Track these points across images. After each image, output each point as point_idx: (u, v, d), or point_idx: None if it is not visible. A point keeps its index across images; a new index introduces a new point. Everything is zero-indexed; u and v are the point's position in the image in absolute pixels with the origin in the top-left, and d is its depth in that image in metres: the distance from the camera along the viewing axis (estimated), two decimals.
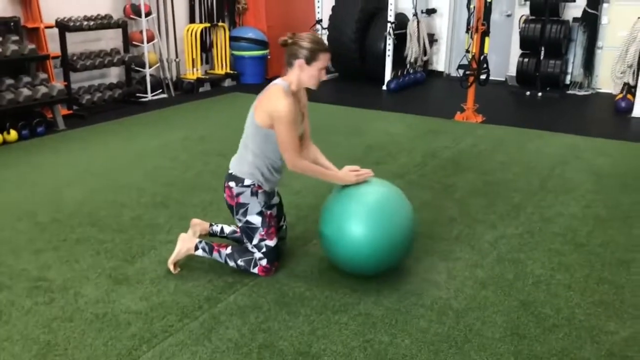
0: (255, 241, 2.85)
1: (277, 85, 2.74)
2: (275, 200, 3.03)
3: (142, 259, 3.08)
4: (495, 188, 4.15)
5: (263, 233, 2.83)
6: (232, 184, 2.83)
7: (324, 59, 2.72)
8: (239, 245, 2.98)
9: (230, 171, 2.86)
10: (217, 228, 3.16)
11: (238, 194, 2.82)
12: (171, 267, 2.92)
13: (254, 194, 2.81)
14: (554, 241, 3.32)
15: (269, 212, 2.86)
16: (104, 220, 3.57)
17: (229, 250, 2.90)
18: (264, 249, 2.85)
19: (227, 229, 3.16)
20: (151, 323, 2.50)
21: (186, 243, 2.94)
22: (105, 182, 4.22)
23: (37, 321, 2.51)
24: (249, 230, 2.84)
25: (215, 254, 2.91)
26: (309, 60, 2.69)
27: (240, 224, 2.87)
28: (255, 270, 2.87)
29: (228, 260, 2.89)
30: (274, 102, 2.67)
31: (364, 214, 2.69)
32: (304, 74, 2.73)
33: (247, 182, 2.80)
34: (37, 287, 2.78)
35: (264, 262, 2.86)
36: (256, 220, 2.82)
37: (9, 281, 2.84)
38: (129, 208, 3.76)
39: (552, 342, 2.39)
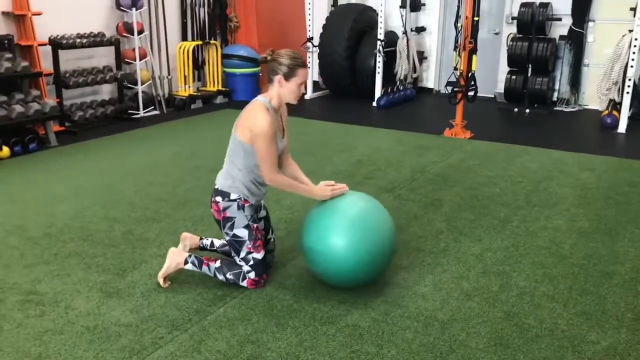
0: (242, 254, 2.90)
1: (258, 102, 2.83)
2: (262, 213, 3.09)
3: (133, 273, 3.11)
4: (482, 202, 4.22)
5: (250, 246, 2.88)
6: (218, 198, 2.89)
7: (302, 75, 2.80)
8: (228, 259, 3.03)
9: (216, 186, 2.93)
10: (207, 242, 3.21)
11: (225, 209, 2.87)
12: (161, 281, 2.96)
13: (241, 207, 2.87)
14: (539, 254, 3.38)
15: (255, 225, 2.92)
16: (96, 234, 3.61)
17: (217, 264, 2.95)
18: (251, 262, 2.90)
19: (217, 243, 3.20)
20: (141, 335, 2.54)
21: (176, 257, 2.98)
22: (97, 198, 4.26)
23: (29, 334, 2.54)
24: (236, 243, 2.89)
25: (204, 268, 2.96)
26: (288, 76, 2.78)
27: (227, 238, 2.92)
28: (244, 284, 2.92)
29: (217, 273, 2.94)
30: (253, 117, 2.75)
31: (344, 226, 2.75)
32: (284, 89, 2.81)
33: (233, 196, 2.86)
34: (29, 301, 2.81)
35: (252, 275, 2.90)
36: (243, 233, 2.87)
37: (1, 295, 2.87)
38: (120, 223, 3.80)
39: (534, 352, 2.45)
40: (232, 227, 2.88)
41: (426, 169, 5.04)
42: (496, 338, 2.54)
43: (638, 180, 4.75)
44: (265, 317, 2.69)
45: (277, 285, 2.98)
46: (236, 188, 2.87)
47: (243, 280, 2.91)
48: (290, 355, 2.41)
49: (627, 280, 3.07)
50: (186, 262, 2.97)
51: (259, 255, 2.90)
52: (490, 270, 3.18)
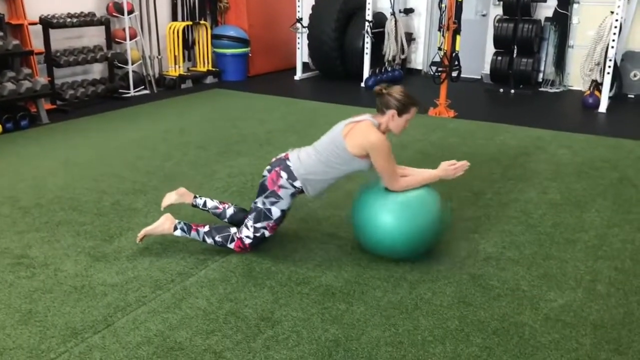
0: (259, 225, 3.01)
1: (369, 121, 2.95)
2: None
3: (120, 239, 3.26)
4: (458, 177, 4.36)
5: (270, 224, 3.02)
6: (283, 174, 2.97)
7: (413, 112, 2.98)
8: (217, 224, 3.17)
9: (289, 163, 2.99)
10: (200, 201, 3.31)
11: (281, 186, 2.97)
12: (140, 235, 3.08)
13: (294, 195, 3.01)
14: (508, 223, 3.55)
15: (286, 212, 3.06)
16: (85, 205, 3.75)
17: (206, 228, 3.08)
18: (258, 234, 3.02)
19: (210, 203, 3.29)
20: (126, 294, 2.69)
21: (166, 223, 3.09)
22: (87, 171, 4.40)
23: (19, 292, 2.69)
24: (263, 215, 3.00)
25: (193, 233, 3.09)
26: (401, 112, 2.94)
27: (259, 205, 3.01)
28: (232, 245, 3.05)
29: (206, 237, 3.07)
30: (367, 136, 2.88)
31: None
32: (394, 123, 2.96)
33: (297, 183, 2.98)
34: (19, 264, 2.96)
35: (248, 241, 3.03)
36: (276, 213, 3.00)
37: None
38: (108, 194, 3.94)
39: (494, 309, 2.61)
40: (272, 203, 2.99)
41: (408, 146, 5.18)
42: (460, 297, 2.71)
43: (611, 156, 4.91)
44: (244, 278, 2.85)
45: (258, 250, 3.13)
46: (305, 179, 2.97)
47: (231, 242, 3.04)
48: (266, 311, 2.57)
49: (589, 247, 3.24)
50: (175, 229, 3.08)
51: (268, 234, 3.04)
52: (460, 237, 3.34)
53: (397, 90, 2.96)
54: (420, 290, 2.76)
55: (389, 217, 2.91)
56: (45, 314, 2.52)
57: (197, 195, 3.34)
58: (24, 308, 2.57)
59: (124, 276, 2.85)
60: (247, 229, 3.03)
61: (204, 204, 3.30)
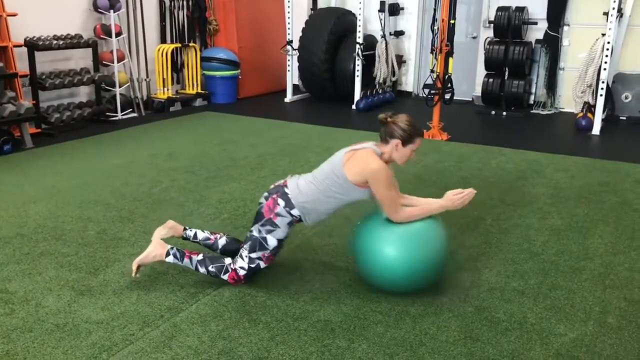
0: (254, 255, 2.87)
1: (370, 149, 2.82)
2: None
3: (106, 271, 3.10)
4: None
5: (266, 255, 2.87)
6: (281, 202, 2.84)
7: (418, 143, 2.84)
8: (210, 254, 3.02)
9: (287, 191, 2.86)
10: (190, 233, 3.14)
11: (278, 214, 2.84)
12: (134, 267, 2.90)
13: (291, 224, 2.87)
14: (511, 251, 3.43)
15: (283, 243, 2.92)
16: (69, 234, 3.59)
17: (200, 257, 2.93)
18: (253, 266, 2.88)
19: (201, 235, 3.13)
20: (112, 332, 2.52)
21: (157, 249, 2.93)
22: (72, 198, 4.23)
23: None
24: (258, 244, 2.86)
25: (186, 260, 2.93)
26: (406, 142, 2.81)
27: (254, 233, 2.87)
28: (226, 277, 2.90)
29: (199, 266, 2.92)
30: (368, 164, 2.75)
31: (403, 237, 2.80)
32: (398, 153, 2.83)
33: (294, 212, 2.84)
34: None
35: (242, 273, 2.89)
36: (272, 243, 2.86)
37: None
38: (94, 222, 3.78)
39: (503, 345, 2.48)
40: (269, 232, 2.85)
41: (403, 170, 5.04)
42: (466, 332, 2.57)
43: (610, 180, 4.83)
44: (237, 313, 2.69)
45: (251, 282, 2.98)
46: (304, 208, 2.84)
47: (225, 273, 2.89)
48: (262, 349, 2.41)
49: (595, 275, 3.12)
50: (167, 255, 2.92)
51: (263, 265, 2.90)
52: (462, 267, 3.21)
53: (402, 119, 2.83)
54: (424, 324, 2.62)
55: (391, 249, 2.77)
56: (24, 356, 2.34)
57: (187, 227, 3.19)
58: (1, 349, 2.39)
59: (110, 312, 2.68)
60: (242, 259, 2.89)
61: (195, 236, 3.14)
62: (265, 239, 2.86)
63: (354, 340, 2.49)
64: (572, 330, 2.60)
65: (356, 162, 2.79)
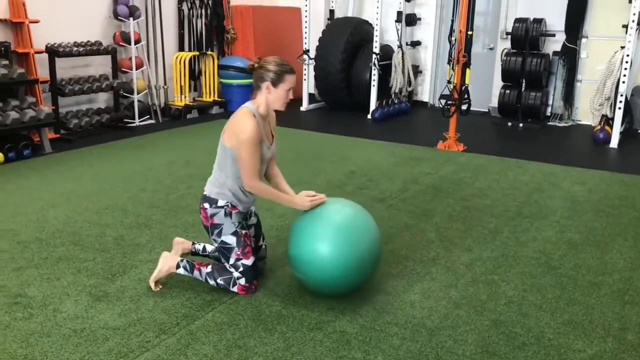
0: (231, 261, 2.90)
1: (245, 108, 2.84)
2: (253, 220, 3.10)
3: (123, 277, 3.11)
4: (473, 213, 4.24)
5: (239, 252, 2.89)
6: (206, 205, 2.90)
7: (290, 81, 2.82)
8: (219, 264, 3.04)
9: (205, 193, 2.95)
10: (199, 247, 3.22)
11: (212, 215, 2.89)
12: (152, 285, 2.96)
13: (228, 214, 2.88)
14: (528, 264, 3.40)
15: (244, 232, 2.92)
16: (87, 239, 3.61)
17: (209, 269, 2.96)
18: (241, 269, 2.90)
19: (209, 248, 3.21)
20: (128, 338, 2.54)
21: (168, 261, 2.99)
22: (89, 204, 4.27)
23: (15, 336, 2.53)
24: (224, 250, 2.90)
25: (195, 273, 2.96)
26: (276, 83, 2.80)
27: (216, 245, 2.93)
28: (235, 289, 2.92)
29: (208, 278, 2.94)
30: (240, 124, 2.77)
31: (330, 233, 2.75)
32: (271, 95, 2.83)
33: (220, 203, 2.88)
34: (17, 303, 2.81)
35: (242, 281, 2.91)
36: (231, 240, 2.88)
37: None
38: (111, 228, 3.80)
39: None
40: (220, 234, 2.89)
41: (418, 180, 5.06)
42: (483, 345, 2.55)
43: (628, 194, 4.78)
44: (253, 322, 2.70)
45: (267, 291, 2.99)
46: (224, 195, 2.89)
47: (234, 286, 2.92)
48: (277, 359, 2.41)
49: (614, 291, 3.09)
50: (178, 267, 2.97)
51: (248, 262, 2.91)
52: (479, 279, 3.19)
53: (269, 60, 2.81)
54: (441, 337, 2.60)
55: (324, 246, 2.73)
56: None
57: (195, 242, 3.25)
58: (20, 354, 2.41)
59: (127, 318, 2.70)
60: (230, 270, 2.93)
61: (204, 249, 3.21)
62: (223, 242, 2.89)
63: (370, 352, 2.48)
64: (591, 346, 2.57)
65: (231, 124, 2.83)
